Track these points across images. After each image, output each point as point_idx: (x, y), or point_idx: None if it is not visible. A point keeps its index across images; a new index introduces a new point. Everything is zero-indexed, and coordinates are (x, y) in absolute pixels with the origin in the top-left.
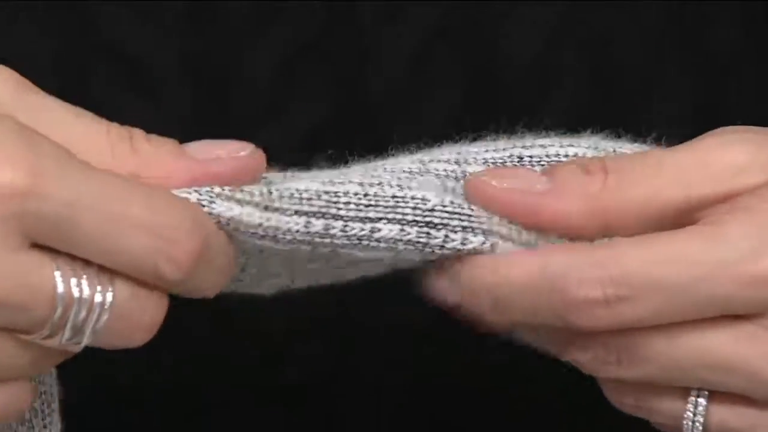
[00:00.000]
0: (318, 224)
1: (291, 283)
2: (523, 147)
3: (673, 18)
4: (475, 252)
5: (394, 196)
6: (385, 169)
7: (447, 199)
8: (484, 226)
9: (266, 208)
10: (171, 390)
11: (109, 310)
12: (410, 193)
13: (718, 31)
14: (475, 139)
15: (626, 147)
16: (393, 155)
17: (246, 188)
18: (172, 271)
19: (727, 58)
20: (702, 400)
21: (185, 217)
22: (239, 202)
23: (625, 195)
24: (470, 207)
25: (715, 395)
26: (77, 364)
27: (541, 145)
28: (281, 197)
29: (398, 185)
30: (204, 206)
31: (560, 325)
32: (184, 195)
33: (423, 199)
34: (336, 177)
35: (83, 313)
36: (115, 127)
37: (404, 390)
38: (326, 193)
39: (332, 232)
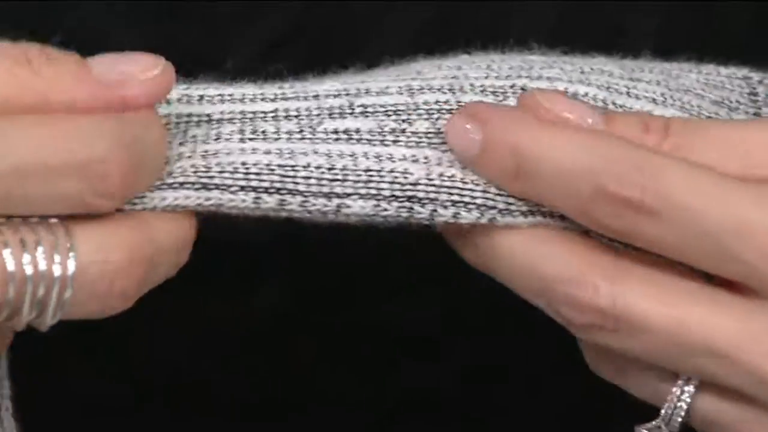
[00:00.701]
0: (270, 200)
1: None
2: (529, 78)
3: (681, 15)
4: (471, 224)
5: (368, 170)
6: (364, 109)
7: (436, 173)
8: (479, 201)
9: (204, 186)
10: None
11: (72, 282)
12: (389, 167)
13: (728, 28)
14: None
15: (641, 86)
16: (383, 67)
17: (177, 168)
18: (106, 203)
19: (736, 58)
20: (690, 388)
21: (106, 144)
22: (171, 186)
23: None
24: (463, 179)
25: (704, 384)
26: None
27: (548, 78)
28: (222, 173)
29: (376, 156)
30: (136, 204)
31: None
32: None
33: (404, 172)
34: (302, 137)
35: (42, 290)
36: (7, 49)
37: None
38: (281, 167)
39: (289, 207)
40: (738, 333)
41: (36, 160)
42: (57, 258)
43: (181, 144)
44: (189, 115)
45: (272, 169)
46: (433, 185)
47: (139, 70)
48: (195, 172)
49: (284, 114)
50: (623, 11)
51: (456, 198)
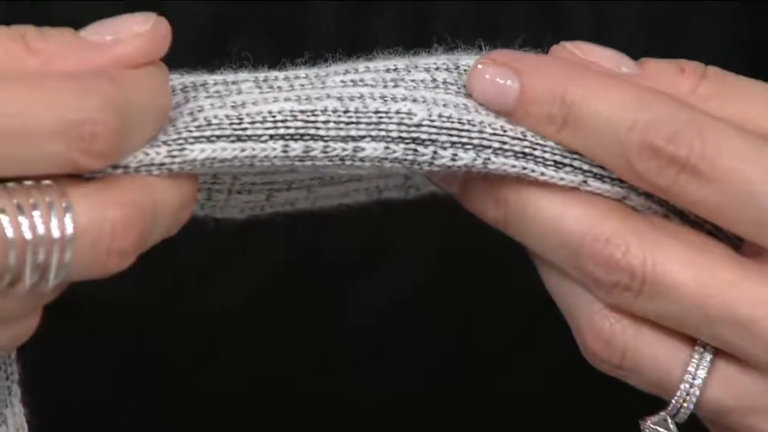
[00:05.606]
0: (297, 147)
1: (266, 201)
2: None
3: (650, 19)
4: (467, 168)
5: (377, 111)
6: (367, 68)
7: (435, 113)
8: (475, 141)
9: (239, 138)
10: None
11: (71, 243)
12: (395, 107)
13: (702, 30)
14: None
15: None
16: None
17: (214, 119)
18: (95, 163)
19: (712, 59)
20: (708, 355)
21: (92, 105)
22: (209, 139)
23: (714, 107)
24: (460, 120)
25: (720, 354)
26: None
27: None
28: (253, 123)
29: (381, 97)
30: (176, 156)
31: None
32: (153, 150)
33: (409, 113)
34: (313, 87)
35: (42, 253)
36: (2, 29)
37: None
38: (302, 112)
39: (312, 154)
40: (763, 303)
41: (18, 122)
42: (54, 220)
43: (207, 97)
44: (205, 81)
45: (295, 116)
46: (434, 126)
47: (129, 28)
48: (230, 123)
49: (294, 75)
50: (602, 8)
51: (454, 138)
